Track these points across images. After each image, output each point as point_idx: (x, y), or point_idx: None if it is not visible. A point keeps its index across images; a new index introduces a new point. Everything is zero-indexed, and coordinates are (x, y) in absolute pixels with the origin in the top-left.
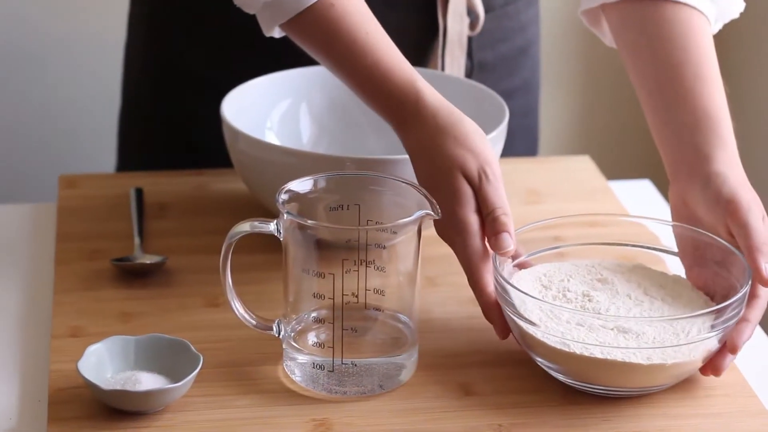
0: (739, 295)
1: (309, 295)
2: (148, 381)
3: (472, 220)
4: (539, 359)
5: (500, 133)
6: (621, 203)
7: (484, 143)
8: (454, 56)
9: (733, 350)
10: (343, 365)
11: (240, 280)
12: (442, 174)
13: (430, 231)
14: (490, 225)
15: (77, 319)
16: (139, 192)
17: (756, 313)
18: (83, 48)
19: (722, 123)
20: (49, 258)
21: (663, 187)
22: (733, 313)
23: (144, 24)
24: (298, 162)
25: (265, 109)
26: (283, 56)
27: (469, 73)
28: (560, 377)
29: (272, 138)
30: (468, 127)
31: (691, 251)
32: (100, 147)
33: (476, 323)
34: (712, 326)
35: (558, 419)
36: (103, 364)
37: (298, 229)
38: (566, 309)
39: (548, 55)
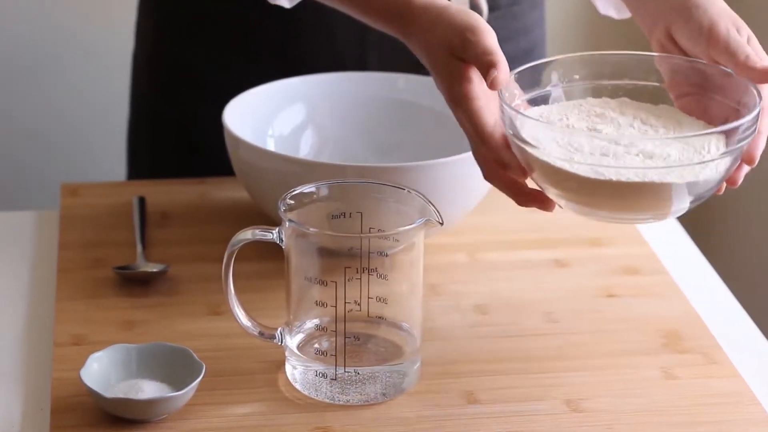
0: (756, 110)
1: (311, 303)
2: (150, 389)
3: (466, 89)
4: (567, 199)
5: None
6: None
7: (465, 14)
8: None
9: (751, 161)
10: (346, 373)
11: (242, 288)
12: (436, 62)
13: (432, 239)
14: (482, 69)
15: (79, 327)
16: (142, 200)
17: None
18: (91, 56)
19: None
20: (52, 266)
21: None
22: (752, 128)
23: (151, 32)
24: (300, 170)
25: (267, 117)
26: (291, 63)
27: None
28: (589, 214)
29: (274, 146)
30: (451, 9)
31: (682, 81)
32: (105, 155)
33: (479, 331)
34: (728, 143)
35: (561, 428)
36: (106, 372)
37: (300, 237)
38: (585, 135)
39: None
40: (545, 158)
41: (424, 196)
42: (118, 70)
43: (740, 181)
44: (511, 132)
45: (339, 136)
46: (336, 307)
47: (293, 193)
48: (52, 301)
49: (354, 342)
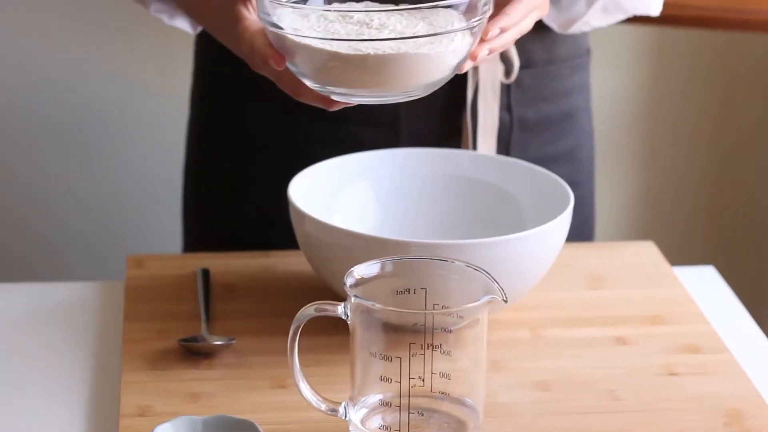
0: None
1: (376, 378)
2: None
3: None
4: (331, 83)
5: (565, 218)
6: (686, 290)
7: None
8: (487, 102)
9: (485, 36)
10: None
11: (307, 362)
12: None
13: (495, 314)
14: None
15: (145, 398)
16: (206, 273)
17: (516, 11)
18: (158, 125)
19: None
20: (117, 336)
21: (727, 274)
22: (487, 5)
23: (205, 100)
24: (364, 245)
25: (333, 192)
26: (350, 127)
27: (509, 130)
28: (353, 95)
29: (339, 220)
30: None
31: None
32: (168, 226)
33: (541, 408)
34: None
35: None
36: None
37: (365, 313)
38: (340, 20)
39: (605, 137)
40: (307, 42)
41: (488, 273)
42: (180, 139)
43: (479, 57)
44: (272, 25)
45: (403, 212)
46: (400, 382)
47: (358, 268)
48: (118, 371)
49: (418, 417)
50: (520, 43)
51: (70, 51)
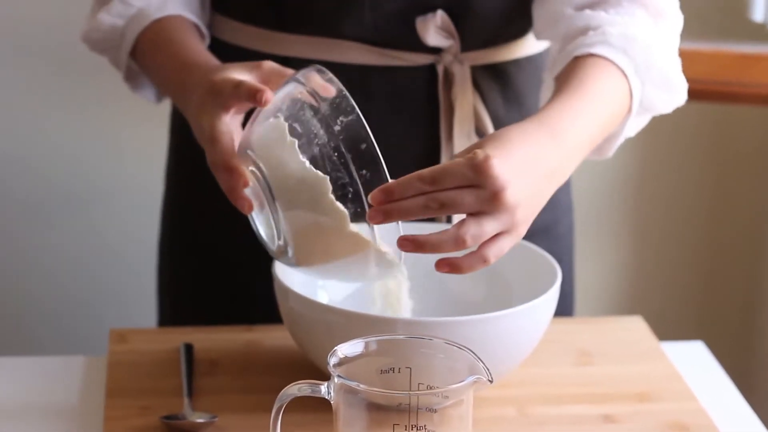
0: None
1: None
2: None
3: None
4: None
5: (553, 294)
6: (674, 365)
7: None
8: None
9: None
10: None
11: None
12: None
13: (481, 392)
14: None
15: None
16: (189, 348)
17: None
18: (145, 200)
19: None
20: (99, 413)
21: (716, 350)
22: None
23: (179, 175)
24: (349, 322)
25: None
26: None
27: None
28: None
29: (324, 296)
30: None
31: None
32: (148, 299)
33: None
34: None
35: None
36: None
37: (349, 393)
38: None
39: (591, 210)
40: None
41: (473, 352)
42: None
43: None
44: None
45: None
46: None
47: (342, 347)
48: None
49: None
50: (492, 111)
51: (49, 125)
